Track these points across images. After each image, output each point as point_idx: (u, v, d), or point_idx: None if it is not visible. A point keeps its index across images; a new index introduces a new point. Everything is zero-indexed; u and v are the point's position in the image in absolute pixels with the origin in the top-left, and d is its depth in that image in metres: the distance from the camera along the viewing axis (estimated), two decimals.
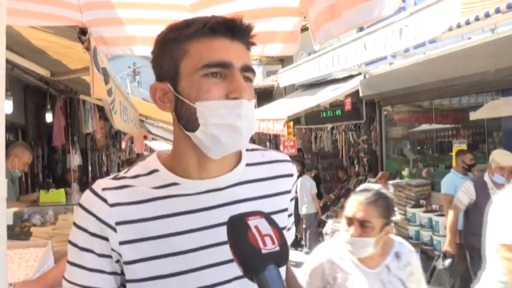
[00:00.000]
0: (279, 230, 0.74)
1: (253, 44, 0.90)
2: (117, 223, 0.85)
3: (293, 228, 1.10)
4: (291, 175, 1.03)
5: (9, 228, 3.25)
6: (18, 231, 3.22)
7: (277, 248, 0.71)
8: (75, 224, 0.89)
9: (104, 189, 0.88)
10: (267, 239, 0.71)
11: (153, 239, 0.85)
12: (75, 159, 7.02)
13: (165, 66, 0.87)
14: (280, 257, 0.71)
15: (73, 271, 0.88)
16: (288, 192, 1.02)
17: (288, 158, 1.06)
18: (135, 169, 0.93)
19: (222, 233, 0.85)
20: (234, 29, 0.84)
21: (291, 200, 1.03)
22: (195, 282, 0.86)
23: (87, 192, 0.90)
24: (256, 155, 1.00)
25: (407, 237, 6.61)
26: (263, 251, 0.70)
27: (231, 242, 0.73)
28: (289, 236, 1.06)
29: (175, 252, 0.85)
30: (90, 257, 0.87)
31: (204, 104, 0.83)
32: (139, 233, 0.85)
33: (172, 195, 0.88)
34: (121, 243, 0.85)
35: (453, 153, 5.83)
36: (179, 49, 0.85)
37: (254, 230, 0.72)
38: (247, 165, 0.97)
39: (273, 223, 0.75)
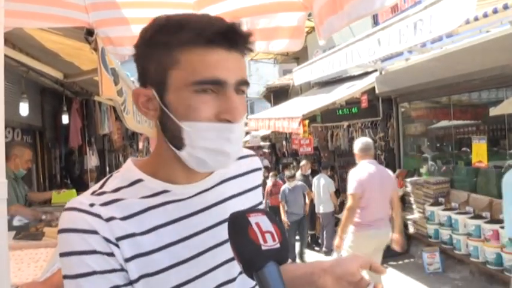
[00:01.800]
0: (280, 228, 0.73)
1: (250, 50, 0.83)
2: (117, 238, 0.77)
3: None
4: (259, 169, 1.04)
5: (24, 228, 3.31)
6: (34, 231, 3.27)
7: (278, 245, 0.70)
8: (68, 254, 0.75)
9: (91, 205, 0.78)
10: (268, 236, 0.71)
11: (156, 251, 0.80)
12: (92, 160, 7.11)
13: (151, 71, 0.80)
14: (281, 254, 0.70)
15: None
16: (260, 186, 1.03)
17: (253, 153, 1.07)
18: (113, 182, 0.84)
19: (220, 233, 0.85)
20: (233, 39, 0.77)
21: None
22: (205, 286, 0.85)
23: (71, 213, 0.77)
24: None
25: (426, 236, 6.49)
26: (263, 248, 0.69)
27: (231, 239, 0.73)
28: None
29: (180, 261, 0.82)
30: (102, 279, 0.76)
31: (191, 125, 0.77)
32: (139, 248, 0.79)
33: (165, 203, 0.83)
34: (126, 260, 0.78)
35: (472, 150, 5.68)
36: (169, 56, 0.77)
37: (255, 227, 0.71)
38: None
39: (273, 220, 0.74)
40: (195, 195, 0.87)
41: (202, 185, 0.88)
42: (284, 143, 13.79)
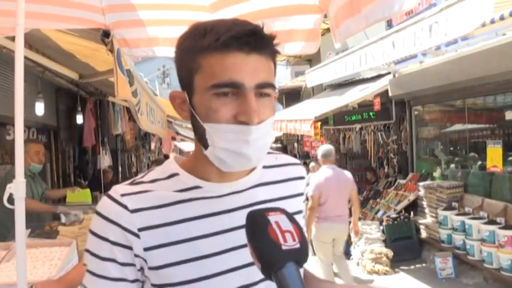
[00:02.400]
0: (299, 227, 0.72)
1: (277, 52, 0.85)
2: (140, 229, 0.83)
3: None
4: (302, 177, 1.04)
5: (39, 226, 3.36)
6: (48, 230, 3.31)
7: (298, 245, 0.68)
8: (93, 233, 0.85)
9: (122, 195, 0.85)
10: (288, 235, 0.69)
11: (178, 243, 0.84)
12: (105, 160, 7.18)
13: (183, 75, 0.85)
14: (301, 255, 0.69)
15: (95, 281, 0.85)
16: (301, 194, 1.02)
17: (298, 161, 1.07)
18: (153, 174, 0.91)
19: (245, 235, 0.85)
20: (251, 43, 0.78)
21: (303, 201, 1.04)
22: (223, 285, 0.86)
23: (105, 199, 0.86)
24: (270, 158, 1.00)
25: (439, 241, 6.42)
26: (283, 247, 0.67)
27: (249, 237, 0.71)
28: None
29: (200, 256, 0.84)
30: (113, 267, 0.84)
31: (212, 126, 0.80)
32: (164, 238, 0.84)
33: (195, 198, 0.87)
34: (145, 249, 0.83)
35: (487, 154, 5.60)
36: (193, 61, 0.81)
37: (274, 226, 0.69)
38: (264, 167, 0.97)
39: (293, 220, 0.72)
40: (227, 194, 0.89)
41: (236, 186, 0.91)
42: (296, 145, 13.77)
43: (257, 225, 0.71)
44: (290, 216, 0.73)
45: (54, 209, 3.51)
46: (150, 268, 0.84)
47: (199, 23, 0.83)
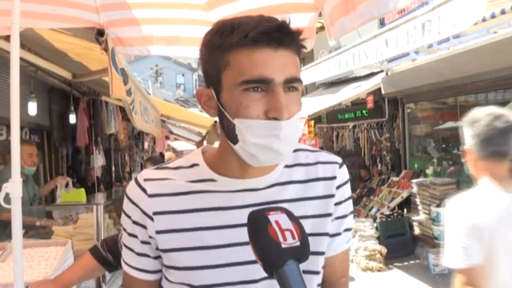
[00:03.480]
0: (300, 226, 0.73)
1: (303, 47, 0.85)
2: (155, 213, 0.90)
3: (346, 236, 1.02)
4: (333, 178, 0.97)
5: (34, 227, 3.34)
6: (42, 230, 3.29)
7: (298, 243, 0.70)
8: (123, 211, 0.96)
9: (145, 179, 0.93)
10: (287, 234, 0.71)
11: (186, 231, 0.89)
12: (98, 160, 7.14)
13: (210, 72, 0.86)
14: (301, 252, 0.70)
15: (126, 253, 0.98)
16: (331, 196, 0.96)
17: (335, 160, 1.00)
18: (179, 161, 0.97)
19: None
20: (279, 38, 0.79)
21: (337, 204, 0.97)
22: (223, 277, 0.89)
23: (132, 182, 0.95)
24: (300, 156, 0.98)
25: (432, 237, 6.48)
26: (283, 245, 0.69)
27: (251, 237, 0.73)
28: (340, 243, 1.01)
29: (204, 246, 0.88)
30: (136, 242, 0.94)
31: (242, 122, 0.81)
32: (174, 224, 0.90)
33: (208, 191, 0.91)
34: (157, 232, 0.90)
35: None
36: (221, 58, 0.82)
37: (274, 225, 0.71)
38: (287, 166, 0.95)
39: (294, 219, 0.73)
40: (239, 191, 0.91)
41: (252, 184, 0.91)
42: None
43: (257, 225, 0.72)
44: (291, 215, 0.74)
45: (33, 220, 3.39)
46: (160, 250, 0.91)
47: (226, 20, 0.84)
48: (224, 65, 0.82)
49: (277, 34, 0.79)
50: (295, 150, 0.96)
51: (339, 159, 1.01)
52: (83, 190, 3.27)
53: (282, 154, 0.83)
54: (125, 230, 0.96)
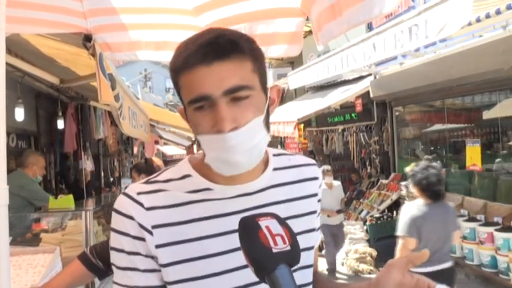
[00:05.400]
0: (290, 230, 0.74)
1: (254, 50, 0.85)
2: (153, 226, 0.88)
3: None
4: (316, 178, 1.05)
5: (21, 234, 3.29)
6: (30, 237, 3.25)
7: (288, 248, 0.71)
8: (114, 230, 0.90)
9: (138, 193, 0.90)
10: (278, 239, 0.71)
11: (187, 242, 0.88)
12: (87, 165, 7.08)
13: (177, 93, 0.91)
14: (292, 257, 0.71)
15: (126, 275, 0.90)
16: (315, 195, 1.03)
17: (314, 162, 1.08)
18: (167, 173, 0.95)
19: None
20: (209, 53, 0.80)
21: (318, 201, 1.05)
22: (227, 283, 0.89)
23: (122, 197, 0.91)
24: (283, 160, 1.02)
25: None
26: (274, 250, 0.70)
27: (242, 243, 0.74)
28: (318, 235, 1.08)
29: (207, 255, 0.88)
30: (139, 259, 0.89)
31: (200, 138, 0.86)
32: (174, 236, 0.88)
33: (205, 200, 0.91)
34: (157, 246, 0.88)
35: (466, 153, 5.73)
36: (176, 82, 0.87)
37: (265, 230, 0.72)
38: (275, 169, 0.98)
39: (283, 223, 0.75)
40: (235, 197, 0.92)
41: (245, 188, 0.93)
42: (279, 146, 13.81)
43: (248, 231, 0.73)
44: (281, 220, 0.75)
45: None
46: (160, 265, 0.88)
47: (181, 42, 0.87)
48: (179, 87, 0.87)
49: (209, 49, 0.80)
50: (276, 155, 1.01)
51: (314, 161, 1.09)
52: (71, 196, 3.24)
53: (240, 164, 0.85)
54: (121, 251, 0.89)
